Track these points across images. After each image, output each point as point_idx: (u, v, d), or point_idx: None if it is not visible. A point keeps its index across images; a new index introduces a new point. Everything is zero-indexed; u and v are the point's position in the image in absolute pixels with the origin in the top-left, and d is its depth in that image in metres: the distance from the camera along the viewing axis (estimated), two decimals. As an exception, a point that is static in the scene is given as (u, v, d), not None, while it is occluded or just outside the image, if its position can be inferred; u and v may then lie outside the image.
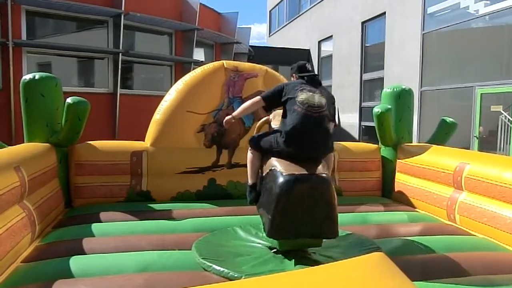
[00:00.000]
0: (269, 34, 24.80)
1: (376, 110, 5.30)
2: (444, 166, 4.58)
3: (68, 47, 9.85)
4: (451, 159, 4.55)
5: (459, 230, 4.05)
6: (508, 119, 8.36)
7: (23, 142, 4.35)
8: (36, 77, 4.29)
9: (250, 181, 3.35)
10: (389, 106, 5.32)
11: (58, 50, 9.84)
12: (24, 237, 3.07)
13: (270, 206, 2.81)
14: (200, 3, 11.75)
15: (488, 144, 8.89)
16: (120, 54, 10.07)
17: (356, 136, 13.74)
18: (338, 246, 3.28)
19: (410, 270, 2.89)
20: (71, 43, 9.98)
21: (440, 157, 4.77)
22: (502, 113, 8.54)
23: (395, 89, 5.56)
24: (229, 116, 3.49)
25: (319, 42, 17.41)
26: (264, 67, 5.31)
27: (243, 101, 5.00)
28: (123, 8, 9.83)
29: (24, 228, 3.10)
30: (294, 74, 3.47)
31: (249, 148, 3.37)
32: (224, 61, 5.18)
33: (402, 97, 5.50)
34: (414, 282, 2.60)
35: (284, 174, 2.78)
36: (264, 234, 3.11)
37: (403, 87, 5.64)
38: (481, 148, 8.92)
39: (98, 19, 10.31)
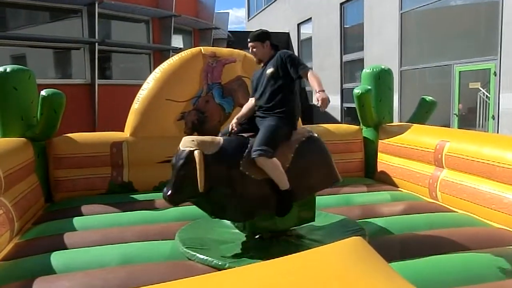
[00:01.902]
0: (248, 18, 24.54)
1: (356, 91, 5.31)
2: (425, 144, 4.63)
3: (42, 38, 9.55)
4: (432, 138, 4.60)
5: (441, 208, 4.12)
6: (486, 95, 8.48)
7: (-3, 138, 4.23)
8: (8, 70, 4.16)
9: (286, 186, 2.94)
10: (369, 87, 5.34)
11: (31, 42, 9.54)
12: (2, 235, 3.00)
13: None
14: (177, -11, 11.51)
15: (468, 121, 9.02)
16: (96, 44, 9.83)
17: (339, 118, 13.80)
18: (322, 229, 3.30)
19: (393, 249, 2.97)
20: (45, 33, 9.68)
21: (420, 136, 4.82)
22: (481, 90, 8.65)
23: (374, 70, 5.57)
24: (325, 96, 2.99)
25: (298, 25, 17.30)
26: (243, 52, 5.25)
27: (222, 86, 4.97)
28: (97, -4, 9.57)
29: (2, 225, 3.03)
30: (269, 42, 3.27)
31: (266, 157, 2.83)
32: (201, 48, 5.10)
33: (382, 77, 5.52)
34: (397, 260, 2.68)
35: None
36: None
37: (383, 67, 5.65)
38: (461, 126, 9.05)
39: (72, 8, 10.01)
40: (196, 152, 2.67)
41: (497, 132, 8.09)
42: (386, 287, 0.93)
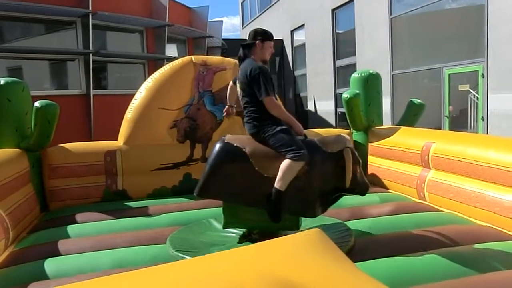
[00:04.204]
0: (242, 26, 24.75)
1: (345, 95, 5.42)
2: (412, 146, 4.73)
3: (37, 50, 9.69)
4: (418, 139, 4.71)
5: (428, 207, 4.21)
6: (477, 97, 8.61)
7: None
8: (2, 82, 4.25)
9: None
10: (357, 91, 5.44)
11: (26, 54, 9.65)
12: (-3, 244, 3.07)
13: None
14: (170, -1, 11.68)
15: (459, 122, 9.14)
16: (91, 55, 9.95)
17: (333, 122, 13.92)
18: (310, 230, 3.39)
19: (381, 247, 3.06)
20: (40, 45, 9.81)
21: (408, 138, 4.93)
22: (471, 92, 8.77)
23: (363, 74, 5.67)
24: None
25: (292, 31, 17.48)
26: (233, 60, 5.36)
27: (213, 94, 5.07)
28: (90, 8, 9.70)
29: (-3, 234, 3.10)
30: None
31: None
32: (192, 56, 5.21)
33: (370, 81, 5.61)
34: (384, 257, 2.76)
35: None
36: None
37: (371, 71, 5.76)
38: (452, 127, 9.17)
39: (66, 20, 10.14)
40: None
41: (487, 132, 8.21)
42: (340, 273, 1.02)
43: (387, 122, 6.04)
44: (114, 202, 4.57)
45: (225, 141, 3.13)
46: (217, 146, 3.12)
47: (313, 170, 3.03)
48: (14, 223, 3.47)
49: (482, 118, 8.39)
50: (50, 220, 4.04)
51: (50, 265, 2.79)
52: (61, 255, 3.01)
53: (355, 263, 2.59)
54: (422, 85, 10.43)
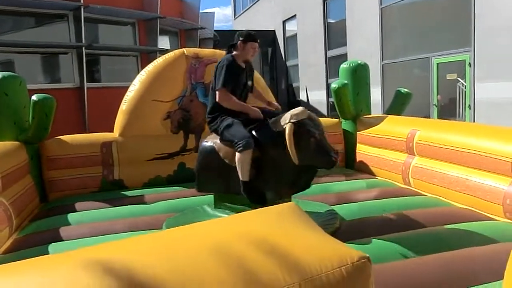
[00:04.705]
0: (235, 17, 24.74)
1: (334, 85, 5.59)
2: (397, 134, 4.92)
3: (28, 44, 9.72)
4: (403, 127, 4.89)
5: (412, 192, 4.40)
6: (465, 86, 8.80)
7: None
8: (-1, 77, 4.37)
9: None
10: (346, 81, 5.61)
11: (18, 48, 9.69)
12: (2, 231, 3.23)
13: None
14: (161, -10, 11.70)
15: (448, 111, 9.35)
16: (84, 48, 10.01)
17: (325, 112, 14.10)
18: (298, 214, 3.57)
19: (366, 228, 3.25)
20: (31, 39, 9.82)
21: (394, 126, 5.11)
22: (459, 81, 8.96)
23: (351, 65, 5.83)
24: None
25: (284, 22, 17.56)
26: (225, 52, 5.49)
27: (205, 86, 5.22)
28: (82, 1, 9.73)
29: (2, 222, 3.26)
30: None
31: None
32: (184, 49, 5.34)
33: (359, 71, 5.77)
34: (370, 237, 2.95)
35: None
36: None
37: (359, 62, 5.91)
38: (440, 115, 9.38)
39: (58, 13, 10.17)
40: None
41: (474, 120, 8.43)
42: (307, 235, 1.19)
43: (377, 111, 6.19)
44: (111, 191, 4.73)
45: (204, 140, 3.50)
46: (200, 147, 3.53)
47: (265, 153, 3.16)
48: (16, 211, 3.63)
49: (469, 107, 8.60)
50: (50, 209, 4.20)
51: (53, 249, 2.95)
52: (62, 240, 3.18)
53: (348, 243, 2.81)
54: (412, 75, 10.62)
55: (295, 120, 2.96)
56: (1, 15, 9.68)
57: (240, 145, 3.08)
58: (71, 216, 3.80)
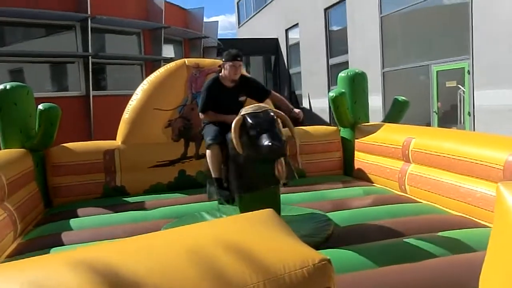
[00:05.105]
0: (239, 25, 25.00)
1: (331, 94, 5.69)
2: (394, 141, 4.99)
3: (37, 54, 9.96)
4: (400, 135, 4.97)
5: (407, 199, 4.46)
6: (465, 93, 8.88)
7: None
8: (8, 87, 4.53)
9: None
10: (343, 90, 5.71)
11: (28, 58, 9.94)
12: (7, 235, 3.37)
13: None
14: (165, 1, 11.94)
15: (448, 118, 9.42)
16: (90, 57, 10.23)
17: (327, 119, 14.20)
18: (293, 221, 3.65)
19: (359, 235, 3.33)
20: (40, 48, 10.08)
21: (390, 134, 5.18)
22: (460, 88, 9.03)
23: (349, 73, 5.91)
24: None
25: (286, 30, 17.75)
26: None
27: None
28: (89, 12, 9.98)
29: (7, 227, 3.40)
30: None
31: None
32: (185, 59, 5.50)
33: (356, 80, 5.85)
34: (363, 244, 3.04)
35: None
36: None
37: (357, 71, 6.01)
38: (441, 123, 9.44)
39: (66, 24, 10.42)
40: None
41: (474, 127, 8.50)
42: (278, 241, 1.31)
43: (378, 119, 6.26)
44: (113, 197, 4.86)
45: None
46: None
47: (227, 149, 3.31)
48: (21, 217, 3.77)
49: (469, 114, 8.67)
50: (54, 214, 4.33)
51: (54, 253, 3.07)
52: (64, 245, 3.30)
53: (333, 249, 2.91)
54: (412, 82, 10.71)
55: (244, 113, 3.02)
56: (12, 26, 9.95)
57: (207, 141, 3.38)
58: (73, 222, 3.93)
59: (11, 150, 4.46)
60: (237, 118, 3.02)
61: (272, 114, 3.04)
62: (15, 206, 3.73)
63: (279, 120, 3.13)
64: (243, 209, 3.21)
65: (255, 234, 1.35)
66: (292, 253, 1.25)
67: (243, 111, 3.03)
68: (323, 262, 1.24)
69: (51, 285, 1.11)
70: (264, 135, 2.90)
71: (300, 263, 1.21)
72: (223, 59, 3.52)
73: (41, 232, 3.72)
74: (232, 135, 3.00)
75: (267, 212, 1.53)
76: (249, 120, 2.97)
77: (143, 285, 1.09)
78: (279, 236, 1.36)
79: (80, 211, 4.30)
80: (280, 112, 3.17)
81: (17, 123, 4.56)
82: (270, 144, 2.83)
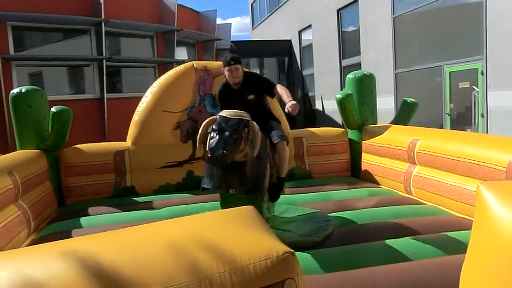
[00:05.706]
0: (252, 27, 25.12)
1: (338, 96, 5.74)
2: (400, 143, 5.01)
3: (54, 58, 10.26)
4: (406, 137, 4.99)
5: (412, 201, 4.49)
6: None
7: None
8: (23, 90, 4.73)
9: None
10: (350, 92, 5.75)
11: (44, 61, 10.24)
12: (21, 232, 3.53)
13: None
14: (178, 4, 12.13)
15: (461, 120, 9.32)
16: (104, 60, 10.48)
17: (339, 121, 14.16)
18: (295, 221, 3.74)
19: (359, 234, 3.38)
20: (57, 52, 10.39)
21: (397, 136, 5.20)
22: (474, 89, 8.93)
23: (357, 75, 5.95)
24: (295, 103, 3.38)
25: (299, 31, 17.78)
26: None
27: (213, 97, 5.47)
28: (103, 16, 10.22)
29: (20, 224, 3.56)
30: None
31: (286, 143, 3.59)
32: (193, 62, 5.63)
33: (364, 81, 5.88)
34: (363, 243, 3.09)
35: None
36: None
37: (365, 72, 6.04)
38: (453, 125, 9.36)
39: (81, 29, 10.70)
40: (253, 123, 3.04)
41: (487, 129, 8.40)
42: (248, 235, 1.41)
43: (391, 120, 6.22)
44: (123, 197, 5.01)
45: None
46: None
47: None
48: (35, 214, 3.94)
49: (482, 115, 8.58)
50: (66, 213, 4.50)
51: (65, 250, 3.21)
52: (74, 242, 3.44)
53: (330, 248, 2.97)
54: (425, 83, 10.64)
55: (219, 114, 3.03)
56: (31, 31, 10.28)
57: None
58: (84, 220, 4.08)
59: (27, 151, 4.64)
60: (208, 118, 3.10)
61: (238, 122, 2.94)
62: (29, 204, 3.90)
63: (256, 129, 3.05)
64: (223, 205, 3.42)
65: (228, 229, 1.46)
66: (259, 246, 1.34)
67: (222, 113, 3.06)
68: (286, 254, 1.34)
69: (38, 273, 1.22)
70: (212, 140, 2.86)
71: (265, 255, 1.32)
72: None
73: (53, 229, 3.87)
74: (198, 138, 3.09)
75: (247, 209, 1.63)
76: (212, 125, 2.96)
77: (123, 274, 1.20)
78: (252, 231, 1.45)
79: (91, 210, 4.46)
80: (253, 122, 3.08)
81: (32, 125, 4.75)
82: (215, 153, 2.78)
